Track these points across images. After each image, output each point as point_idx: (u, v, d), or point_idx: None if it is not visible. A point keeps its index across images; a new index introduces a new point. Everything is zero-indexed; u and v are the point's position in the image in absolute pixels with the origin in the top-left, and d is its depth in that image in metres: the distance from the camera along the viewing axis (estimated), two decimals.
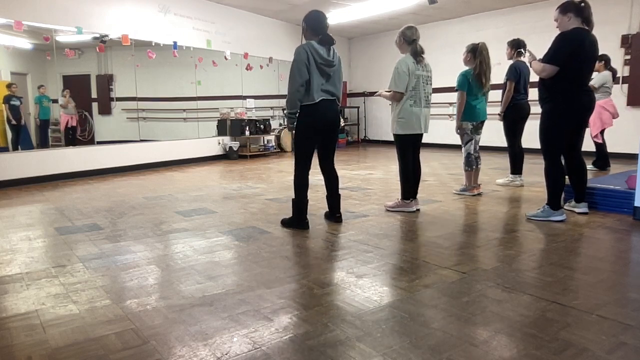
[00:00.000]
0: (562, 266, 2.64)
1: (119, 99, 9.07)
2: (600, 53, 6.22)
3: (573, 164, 3.79)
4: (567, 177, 3.83)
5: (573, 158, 3.77)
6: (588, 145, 6.41)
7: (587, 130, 6.22)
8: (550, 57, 3.43)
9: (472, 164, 4.69)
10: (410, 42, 3.83)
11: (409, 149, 3.97)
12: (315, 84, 3.32)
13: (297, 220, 3.54)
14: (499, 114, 5.20)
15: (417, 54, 3.83)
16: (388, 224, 3.69)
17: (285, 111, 3.46)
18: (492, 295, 2.21)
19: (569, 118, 3.53)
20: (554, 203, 3.65)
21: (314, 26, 3.41)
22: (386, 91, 3.94)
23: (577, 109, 3.52)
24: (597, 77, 6.04)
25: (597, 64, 6.10)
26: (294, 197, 3.53)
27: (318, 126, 3.43)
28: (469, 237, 3.32)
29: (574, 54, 3.37)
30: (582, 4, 3.42)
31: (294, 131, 3.45)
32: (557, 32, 3.51)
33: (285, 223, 3.64)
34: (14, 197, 5.22)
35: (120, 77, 9.03)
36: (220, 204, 4.59)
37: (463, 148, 4.71)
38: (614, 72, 6.25)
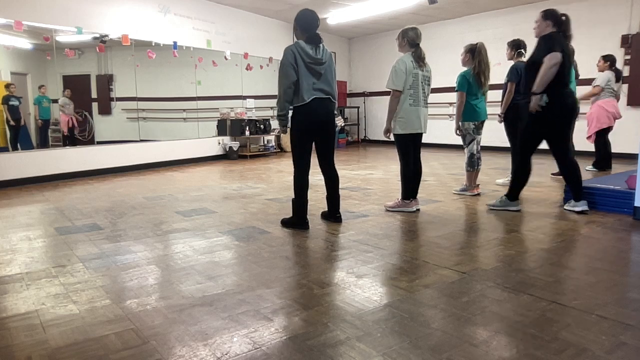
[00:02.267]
0: (562, 266, 2.64)
1: (119, 99, 9.06)
2: (605, 53, 6.20)
3: (571, 166, 3.83)
4: (563, 176, 3.96)
5: (567, 160, 3.82)
6: (587, 145, 6.44)
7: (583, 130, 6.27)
8: (548, 49, 3.50)
9: (474, 165, 4.68)
10: (412, 44, 3.83)
11: (409, 148, 3.97)
12: (305, 84, 3.30)
13: (297, 221, 3.54)
14: (499, 115, 5.19)
15: (420, 58, 3.84)
16: (388, 224, 3.69)
17: (275, 113, 3.46)
18: (492, 295, 2.21)
19: (551, 119, 3.63)
20: (512, 195, 3.98)
21: (303, 25, 3.39)
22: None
23: (560, 110, 3.63)
24: (601, 77, 5.98)
25: (603, 64, 6.07)
26: (294, 197, 3.53)
27: (311, 126, 3.41)
28: (469, 237, 3.32)
29: (562, 54, 3.50)
30: (563, 17, 3.61)
31: (289, 132, 3.45)
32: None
33: (285, 223, 3.64)
34: (14, 197, 5.22)
35: (120, 77, 9.02)
36: (220, 204, 4.59)
37: (466, 149, 4.70)
38: (618, 73, 6.20)
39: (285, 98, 3.31)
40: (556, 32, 3.61)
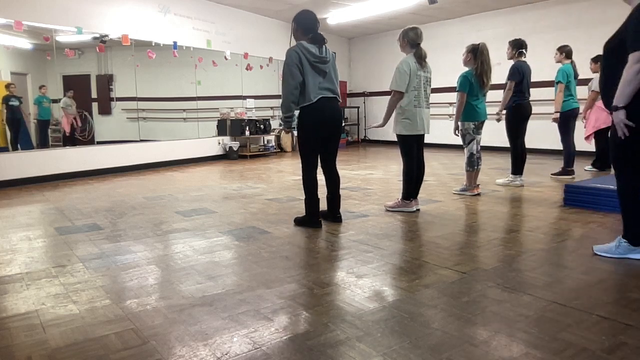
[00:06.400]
0: (562, 266, 2.64)
1: (119, 99, 9.07)
2: (598, 54, 6.10)
3: None
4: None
5: None
6: (587, 145, 6.43)
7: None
8: (632, 42, 2.58)
9: (474, 165, 4.68)
10: (413, 45, 3.84)
11: (412, 149, 3.97)
12: (311, 84, 3.31)
13: (310, 220, 3.57)
14: (497, 113, 5.18)
15: (421, 58, 3.84)
16: (388, 224, 3.68)
17: (281, 115, 3.47)
18: (492, 295, 2.21)
19: None
20: (632, 234, 2.66)
21: (305, 25, 3.40)
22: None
23: None
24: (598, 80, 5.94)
25: (594, 65, 6.05)
26: (305, 197, 3.55)
27: (319, 126, 3.43)
28: (469, 237, 3.32)
29: None
30: None
31: (295, 133, 3.46)
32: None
33: (298, 222, 3.66)
34: (14, 197, 5.22)
35: (120, 77, 9.03)
36: (220, 204, 4.59)
37: (465, 148, 4.70)
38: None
39: (291, 99, 3.31)
40: None
